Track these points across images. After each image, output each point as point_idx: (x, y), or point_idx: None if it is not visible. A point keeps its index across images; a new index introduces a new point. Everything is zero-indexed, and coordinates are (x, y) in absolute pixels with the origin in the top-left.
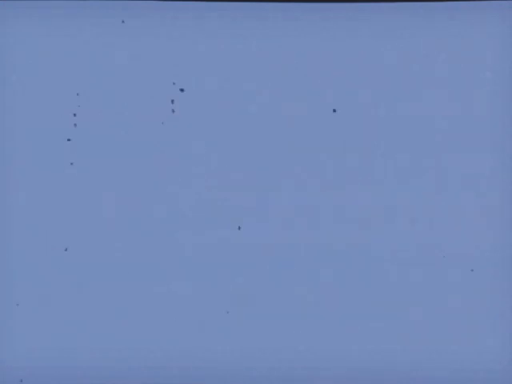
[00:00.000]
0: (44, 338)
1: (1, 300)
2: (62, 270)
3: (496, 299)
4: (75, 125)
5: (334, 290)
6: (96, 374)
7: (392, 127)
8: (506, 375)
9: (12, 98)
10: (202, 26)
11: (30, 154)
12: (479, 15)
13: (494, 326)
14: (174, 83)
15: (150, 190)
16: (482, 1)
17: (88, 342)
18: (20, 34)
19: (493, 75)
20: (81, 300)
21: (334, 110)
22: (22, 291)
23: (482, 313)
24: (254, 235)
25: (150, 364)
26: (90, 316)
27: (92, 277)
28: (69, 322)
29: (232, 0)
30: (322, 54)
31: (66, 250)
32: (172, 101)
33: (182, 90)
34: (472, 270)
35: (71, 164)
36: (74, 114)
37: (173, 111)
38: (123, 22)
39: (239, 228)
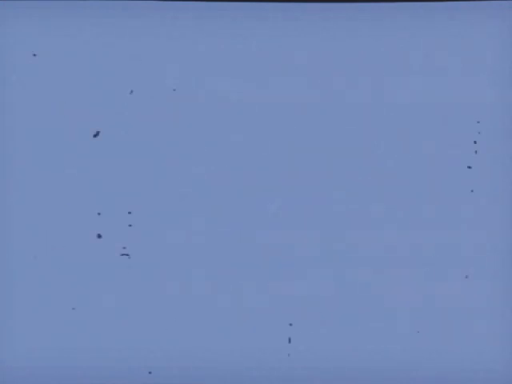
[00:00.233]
0: (44, 338)
1: (1, 300)
2: (62, 269)
3: (496, 299)
4: (75, 125)
5: (334, 290)
6: (96, 374)
7: (392, 127)
8: (506, 375)
9: (12, 98)
10: (201, 25)
11: (29, 153)
12: (479, 15)
13: (494, 326)
14: (174, 90)
15: (150, 189)
16: (482, 1)
17: (88, 342)
18: (20, 34)
19: (493, 76)
20: (81, 300)
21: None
22: (22, 291)
23: (482, 313)
24: (251, 233)
25: (150, 364)
26: (90, 316)
27: (92, 277)
28: (69, 321)
29: (232, 0)
30: (322, 54)
31: (66, 249)
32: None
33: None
34: (472, 270)
35: (71, 164)
36: (74, 114)
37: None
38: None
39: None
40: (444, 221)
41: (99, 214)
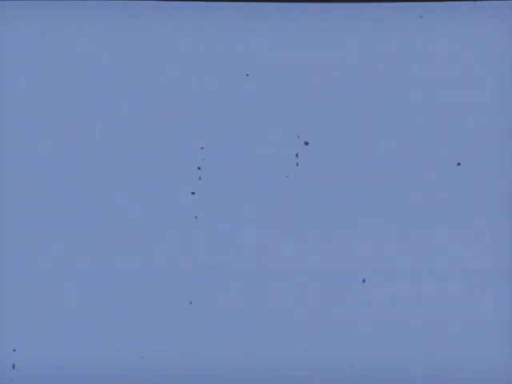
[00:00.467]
0: (44, 338)
1: (1, 300)
2: (62, 269)
3: (496, 299)
4: (75, 125)
5: (335, 290)
6: (96, 374)
7: (392, 127)
8: (506, 375)
9: (12, 98)
10: (201, 25)
11: (29, 153)
12: (479, 15)
13: (494, 326)
14: (174, 90)
15: (139, 198)
16: (482, 1)
17: (88, 341)
18: (20, 34)
19: (493, 75)
20: (81, 300)
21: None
22: (22, 291)
23: (482, 313)
24: (251, 233)
25: (150, 364)
26: (90, 316)
27: (92, 277)
28: (69, 322)
29: (232, 0)
30: (322, 54)
31: (66, 249)
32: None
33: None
34: (472, 271)
35: (71, 164)
36: (74, 114)
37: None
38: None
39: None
40: (442, 220)
41: (99, 214)
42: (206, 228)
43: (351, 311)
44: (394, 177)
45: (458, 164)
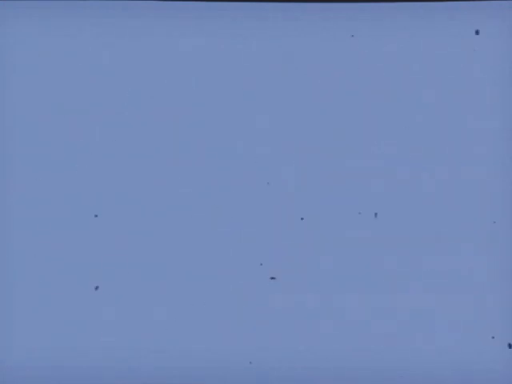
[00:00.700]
0: (44, 338)
1: (1, 300)
2: (62, 269)
3: (496, 299)
4: (75, 124)
5: (335, 290)
6: (96, 373)
7: (392, 127)
8: (506, 375)
9: (12, 98)
10: (202, 25)
11: (29, 153)
12: (479, 15)
13: (494, 326)
14: (174, 90)
15: (139, 198)
16: (482, 1)
17: (88, 341)
18: (20, 34)
19: (493, 75)
20: (81, 300)
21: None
22: (22, 291)
23: (482, 313)
24: (251, 234)
25: (151, 364)
26: (90, 316)
27: (92, 277)
28: (69, 322)
29: (232, 0)
30: (322, 54)
31: (66, 249)
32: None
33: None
34: (472, 270)
35: (71, 164)
36: (74, 114)
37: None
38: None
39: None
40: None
41: (99, 213)
42: (207, 228)
43: (351, 312)
44: (394, 176)
45: (458, 164)
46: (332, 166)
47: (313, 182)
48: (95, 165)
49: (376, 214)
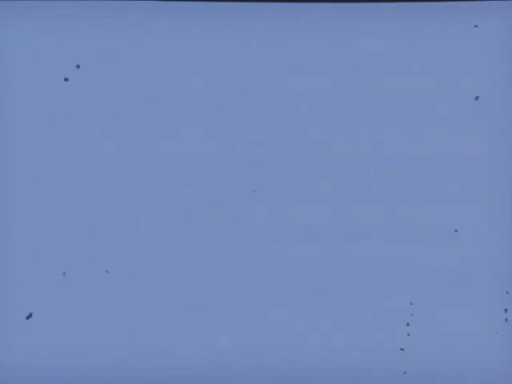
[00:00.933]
0: (44, 338)
1: (1, 300)
2: (61, 270)
3: (496, 299)
4: (75, 124)
5: (335, 290)
6: (96, 374)
7: (392, 127)
8: (506, 375)
9: (12, 98)
10: (202, 26)
11: (29, 153)
12: (479, 15)
13: (494, 326)
14: (174, 89)
15: (139, 198)
16: (482, 1)
17: (88, 342)
18: (20, 34)
19: (493, 75)
20: (81, 300)
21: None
22: (23, 291)
23: (482, 313)
24: (251, 235)
25: (151, 364)
26: (90, 316)
27: (92, 277)
28: (69, 322)
29: (232, 0)
30: (322, 54)
31: (66, 250)
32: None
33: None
34: (472, 271)
35: (71, 163)
36: (74, 114)
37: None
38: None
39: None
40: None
41: (99, 213)
42: (207, 228)
43: (351, 312)
44: (394, 175)
45: (458, 164)
46: (332, 166)
47: (313, 182)
48: (95, 164)
49: (376, 216)
